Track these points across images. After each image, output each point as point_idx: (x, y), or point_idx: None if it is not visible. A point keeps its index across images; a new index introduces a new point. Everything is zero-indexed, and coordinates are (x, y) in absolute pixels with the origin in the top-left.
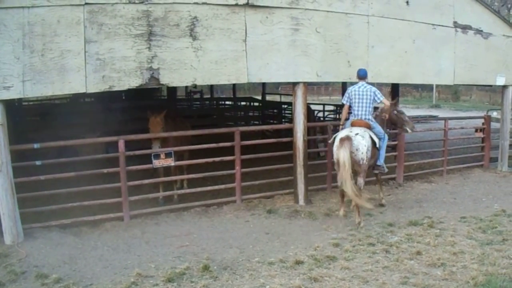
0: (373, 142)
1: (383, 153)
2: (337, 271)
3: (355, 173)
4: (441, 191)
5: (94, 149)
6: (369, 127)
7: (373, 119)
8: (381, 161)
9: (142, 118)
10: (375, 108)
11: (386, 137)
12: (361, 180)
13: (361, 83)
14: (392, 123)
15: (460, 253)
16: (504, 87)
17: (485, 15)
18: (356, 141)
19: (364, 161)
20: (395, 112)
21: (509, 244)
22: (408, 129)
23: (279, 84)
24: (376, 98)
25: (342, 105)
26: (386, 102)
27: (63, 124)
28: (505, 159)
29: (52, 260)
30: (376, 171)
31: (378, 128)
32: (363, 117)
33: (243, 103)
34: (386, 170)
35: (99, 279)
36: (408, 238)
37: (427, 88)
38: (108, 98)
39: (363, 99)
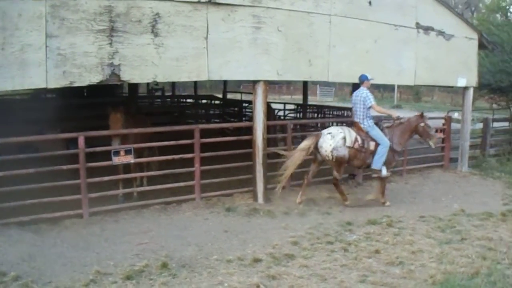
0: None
1: (377, 158)
2: (295, 269)
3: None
4: (400, 190)
5: (55, 146)
6: (361, 130)
7: (369, 123)
8: (376, 165)
9: (103, 115)
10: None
11: (386, 143)
12: (334, 173)
13: (360, 88)
14: (418, 134)
15: (418, 252)
16: (465, 88)
17: (448, 17)
18: (322, 139)
19: (330, 158)
20: (422, 124)
21: (467, 243)
22: (431, 143)
23: (240, 82)
24: (365, 103)
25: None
26: (376, 108)
27: (23, 120)
28: (465, 160)
29: (10, 258)
30: (373, 175)
31: (375, 133)
32: (358, 120)
33: (204, 101)
34: (385, 174)
35: (58, 277)
36: (366, 236)
37: (389, 88)
38: (69, 94)
39: (357, 104)
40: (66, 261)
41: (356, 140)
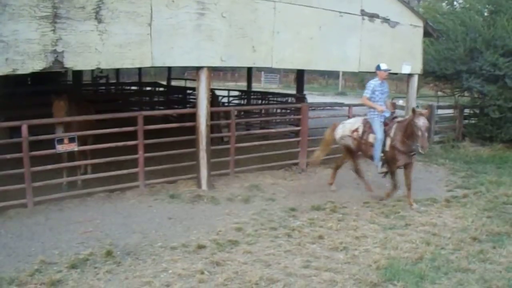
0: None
1: (374, 151)
2: (239, 255)
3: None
4: (344, 177)
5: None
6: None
7: (370, 115)
8: (374, 158)
9: (46, 103)
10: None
11: (378, 137)
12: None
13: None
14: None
15: (362, 237)
16: (410, 75)
17: (393, 5)
18: (337, 127)
19: (340, 145)
20: (413, 122)
21: (411, 228)
22: (419, 146)
23: (185, 69)
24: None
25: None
26: (363, 100)
27: None
28: None
29: None
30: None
31: (373, 125)
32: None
33: (148, 88)
34: (380, 170)
35: (2, 267)
36: (310, 222)
37: (333, 75)
38: (12, 82)
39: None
40: (10, 251)
41: (356, 130)
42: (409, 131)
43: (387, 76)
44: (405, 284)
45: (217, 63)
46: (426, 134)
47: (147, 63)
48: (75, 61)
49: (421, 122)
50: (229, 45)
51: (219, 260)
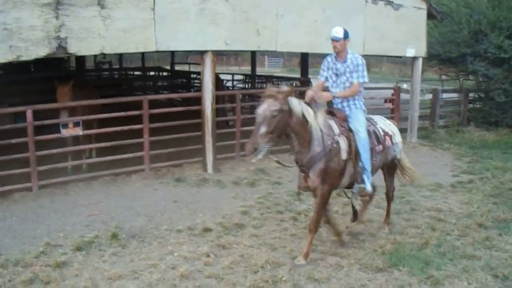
0: None
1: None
2: (245, 238)
3: None
4: None
5: (1, 120)
6: None
7: (350, 104)
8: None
9: (50, 89)
10: None
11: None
12: None
13: None
14: None
15: (368, 222)
16: (414, 58)
17: None
18: None
19: None
20: None
21: (417, 214)
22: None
23: (188, 54)
24: None
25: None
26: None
27: None
28: (415, 131)
29: None
30: None
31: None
32: None
33: (151, 73)
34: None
35: (8, 250)
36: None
37: None
38: (16, 69)
39: None
40: (16, 234)
41: None
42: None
43: (340, 48)
44: (411, 269)
45: (221, 47)
46: (261, 130)
47: (151, 48)
48: (78, 47)
49: (260, 109)
50: (233, 29)
51: (225, 243)
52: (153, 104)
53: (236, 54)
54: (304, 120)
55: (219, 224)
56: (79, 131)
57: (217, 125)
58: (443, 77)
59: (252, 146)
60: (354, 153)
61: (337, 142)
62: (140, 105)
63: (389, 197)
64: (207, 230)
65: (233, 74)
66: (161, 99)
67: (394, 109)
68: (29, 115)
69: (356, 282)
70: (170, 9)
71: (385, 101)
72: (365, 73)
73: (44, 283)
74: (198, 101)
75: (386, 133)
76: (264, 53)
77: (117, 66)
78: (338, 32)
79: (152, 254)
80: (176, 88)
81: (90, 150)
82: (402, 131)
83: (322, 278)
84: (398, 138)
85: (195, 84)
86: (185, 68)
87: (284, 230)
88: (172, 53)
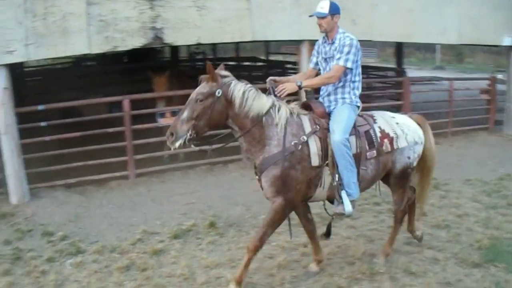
0: None
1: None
2: (342, 229)
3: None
4: (446, 153)
5: (97, 110)
6: None
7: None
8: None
9: (145, 79)
10: None
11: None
12: None
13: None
14: None
15: (464, 216)
16: (511, 48)
17: None
18: None
19: None
20: None
21: None
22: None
23: (282, 44)
24: None
25: None
26: None
27: (65, 87)
28: (511, 123)
29: (57, 219)
30: None
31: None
32: None
33: (246, 63)
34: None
35: (104, 236)
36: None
37: (430, 49)
38: (110, 61)
39: None
40: (112, 221)
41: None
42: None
43: (327, 27)
44: (508, 266)
45: (317, 36)
46: (183, 115)
47: (247, 37)
48: (175, 37)
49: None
50: None
51: (321, 234)
52: None
53: None
54: (252, 112)
55: (317, 215)
56: None
57: None
58: None
59: (169, 131)
60: (332, 159)
61: (305, 144)
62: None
63: (397, 219)
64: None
65: None
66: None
67: (490, 100)
68: (126, 104)
69: (452, 277)
70: None
71: (481, 92)
72: (351, 56)
73: (140, 270)
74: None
75: (384, 135)
76: (361, 41)
77: (211, 56)
78: (323, 7)
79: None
80: None
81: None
82: (498, 123)
83: (418, 272)
84: (402, 141)
85: (290, 74)
86: (279, 58)
87: (381, 222)
88: (267, 42)
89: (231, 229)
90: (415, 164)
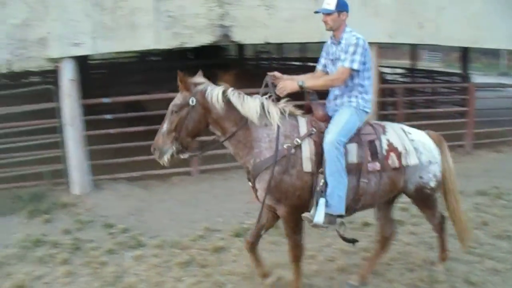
0: None
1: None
2: (404, 235)
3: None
4: (509, 161)
5: (161, 105)
6: None
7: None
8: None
9: (209, 76)
10: None
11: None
12: None
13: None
14: None
15: None
16: None
17: None
18: None
19: None
20: None
21: None
22: None
23: None
24: None
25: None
26: None
27: (130, 81)
28: None
29: (118, 211)
30: None
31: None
32: None
33: (312, 64)
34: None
35: (166, 231)
36: (475, 207)
37: (495, 55)
38: (174, 56)
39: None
40: (173, 216)
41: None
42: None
43: (332, 25)
44: None
45: (384, 39)
46: (163, 128)
47: (315, 38)
48: (243, 36)
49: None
50: (396, 21)
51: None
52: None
53: (394, 47)
54: (234, 114)
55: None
56: None
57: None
58: None
59: (152, 148)
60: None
61: (298, 147)
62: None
63: (437, 231)
64: (366, 224)
65: (392, 68)
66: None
67: None
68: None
69: None
70: None
71: None
72: (357, 57)
73: (200, 266)
74: None
75: (392, 148)
76: (423, 47)
77: (276, 56)
78: (330, 3)
79: (311, 245)
80: None
81: None
82: None
83: (478, 282)
84: (413, 159)
85: None
86: None
87: (442, 230)
88: None
89: None
90: (432, 185)
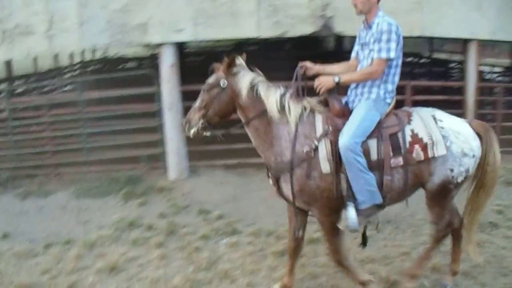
0: None
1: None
2: (498, 238)
3: None
4: None
5: None
6: None
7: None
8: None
9: None
10: None
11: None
12: None
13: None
14: None
15: None
16: None
17: None
18: None
19: None
20: None
21: None
22: None
23: (444, 41)
24: None
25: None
26: None
27: None
28: None
29: (215, 198)
30: None
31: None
32: None
33: (409, 59)
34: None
35: (261, 219)
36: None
37: None
38: (272, 46)
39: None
40: (270, 205)
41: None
42: None
43: (362, 8)
44: None
45: (486, 36)
46: (195, 105)
47: (416, 32)
48: (344, 27)
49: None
50: (499, 17)
51: (478, 241)
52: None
53: (493, 44)
54: (259, 105)
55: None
56: None
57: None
58: None
59: (184, 120)
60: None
61: (316, 149)
62: (402, 91)
63: (434, 238)
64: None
65: (491, 66)
66: (422, 86)
67: None
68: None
69: None
70: None
71: None
72: (393, 44)
73: None
74: (456, 90)
75: (416, 140)
76: None
77: None
78: None
79: (406, 242)
80: (434, 76)
81: None
82: None
83: None
84: (441, 148)
85: (453, 73)
86: (439, 56)
87: None
88: (430, 39)
89: (388, 225)
90: (460, 180)
